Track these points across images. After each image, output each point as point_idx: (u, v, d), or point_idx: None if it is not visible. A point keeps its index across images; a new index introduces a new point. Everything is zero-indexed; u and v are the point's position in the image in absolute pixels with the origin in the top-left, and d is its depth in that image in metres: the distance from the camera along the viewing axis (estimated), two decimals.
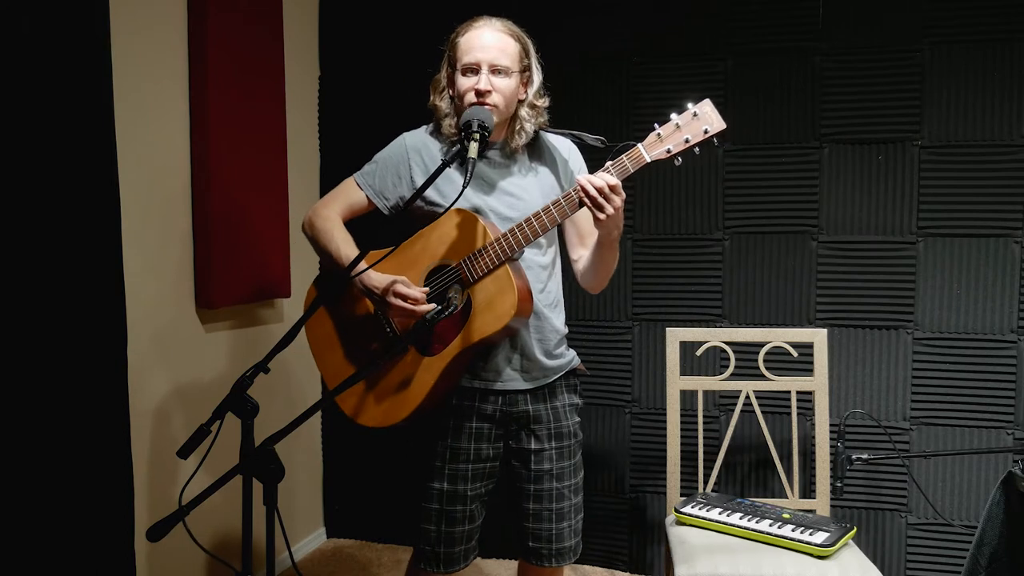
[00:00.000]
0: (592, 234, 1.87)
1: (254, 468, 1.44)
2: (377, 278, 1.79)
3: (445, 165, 1.64)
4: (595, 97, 2.89)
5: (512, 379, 1.86)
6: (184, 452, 1.47)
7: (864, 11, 2.67)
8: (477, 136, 1.65)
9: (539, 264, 1.86)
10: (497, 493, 1.97)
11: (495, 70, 1.78)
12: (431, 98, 1.88)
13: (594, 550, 2.99)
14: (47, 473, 1.82)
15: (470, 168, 1.62)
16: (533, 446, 1.88)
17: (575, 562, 1.99)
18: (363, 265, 1.77)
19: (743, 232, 2.80)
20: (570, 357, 1.96)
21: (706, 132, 1.66)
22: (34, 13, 1.76)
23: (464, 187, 1.61)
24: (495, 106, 1.77)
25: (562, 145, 1.96)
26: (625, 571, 2.96)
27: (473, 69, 1.78)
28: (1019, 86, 2.56)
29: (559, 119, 1.95)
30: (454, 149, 1.67)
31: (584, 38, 2.90)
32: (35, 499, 1.79)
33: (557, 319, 1.92)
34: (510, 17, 1.88)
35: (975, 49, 2.59)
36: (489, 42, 1.79)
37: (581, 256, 1.96)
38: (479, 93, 1.76)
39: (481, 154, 1.72)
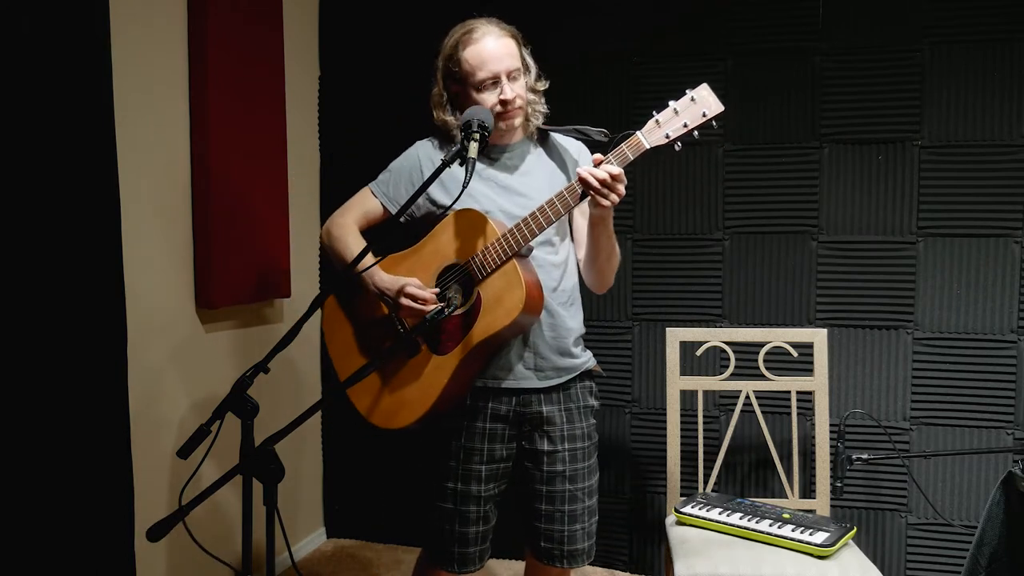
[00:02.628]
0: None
1: (254, 468, 1.44)
2: (389, 280, 1.83)
3: (445, 165, 1.65)
4: (595, 97, 2.89)
5: (525, 377, 1.86)
6: (184, 452, 1.47)
7: (864, 11, 2.66)
8: (477, 136, 1.65)
9: (551, 263, 1.87)
10: (506, 493, 1.97)
11: (510, 75, 1.80)
12: (436, 115, 1.89)
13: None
14: (47, 473, 1.82)
15: (470, 168, 1.63)
16: (546, 448, 1.88)
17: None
18: (369, 261, 1.79)
19: (743, 232, 2.80)
20: (586, 358, 1.96)
21: (704, 115, 1.67)
22: (34, 13, 1.76)
23: (464, 186, 1.61)
24: (520, 108, 1.82)
25: (572, 146, 1.98)
26: (625, 571, 2.95)
27: (492, 82, 1.79)
28: (1019, 86, 2.56)
29: (559, 118, 1.95)
30: (454, 149, 1.67)
31: (584, 38, 2.90)
32: (35, 499, 1.79)
33: (572, 318, 1.92)
34: (510, 16, 1.88)
35: (975, 49, 2.59)
36: (498, 51, 1.79)
37: (582, 256, 1.97)
38: (506, 103, 1.79)
39: (495, 158, 1.79)
